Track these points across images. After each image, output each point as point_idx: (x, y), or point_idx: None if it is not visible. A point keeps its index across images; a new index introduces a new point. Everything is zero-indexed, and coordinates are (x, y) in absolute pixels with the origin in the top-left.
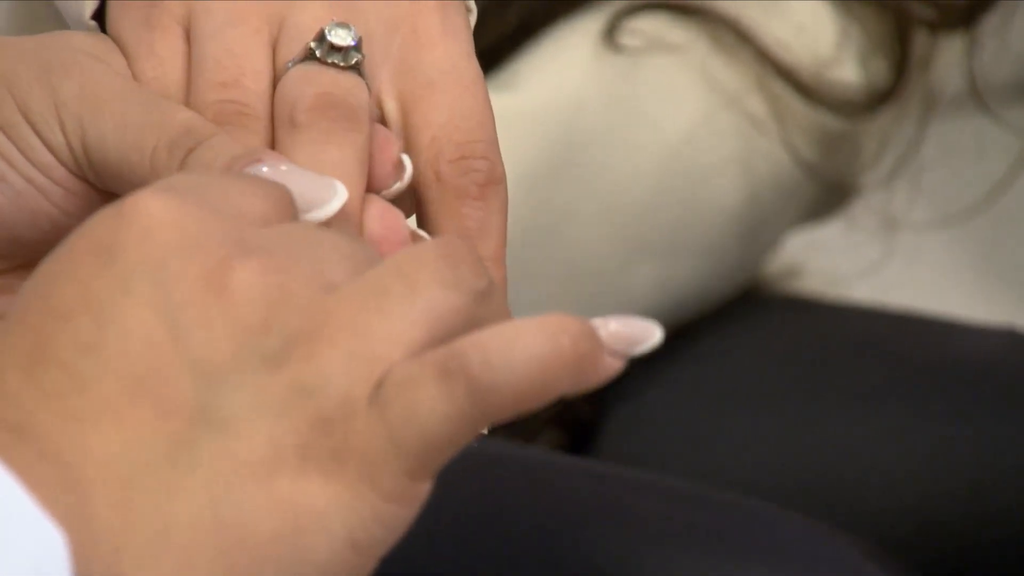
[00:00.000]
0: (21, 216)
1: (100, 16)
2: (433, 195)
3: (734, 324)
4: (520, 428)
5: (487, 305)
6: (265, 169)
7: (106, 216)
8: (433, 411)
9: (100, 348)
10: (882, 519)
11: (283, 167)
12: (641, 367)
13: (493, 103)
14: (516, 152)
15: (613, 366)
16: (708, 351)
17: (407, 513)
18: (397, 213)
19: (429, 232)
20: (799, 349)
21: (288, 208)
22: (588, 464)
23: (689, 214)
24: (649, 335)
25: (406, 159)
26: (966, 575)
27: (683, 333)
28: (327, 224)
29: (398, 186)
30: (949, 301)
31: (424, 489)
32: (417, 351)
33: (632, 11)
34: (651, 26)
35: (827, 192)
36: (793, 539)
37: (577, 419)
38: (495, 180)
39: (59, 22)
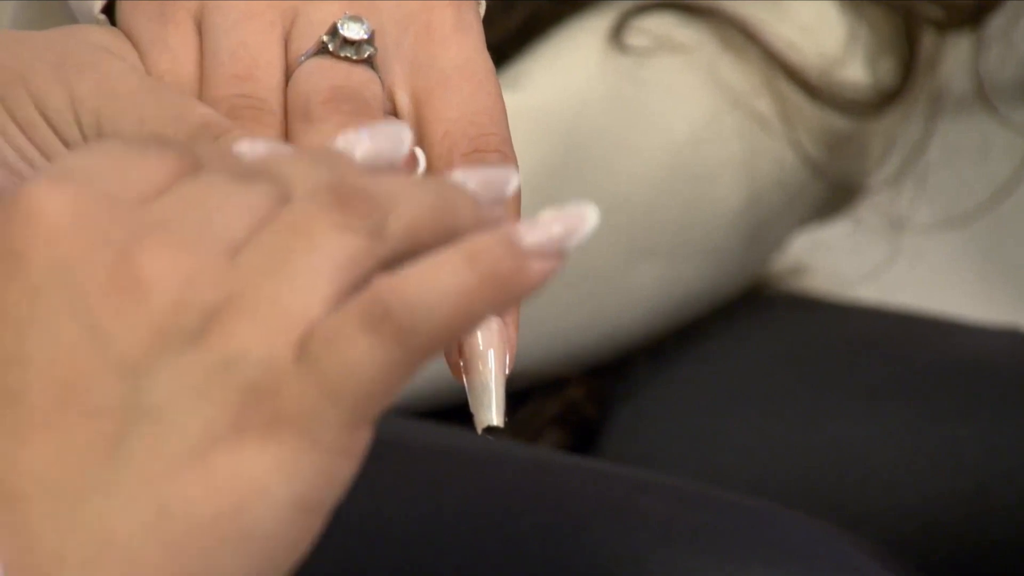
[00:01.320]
0: None
1: (109, 10)
2: None
3: (738, 323)
4: (524, 428)
5: (389, 236)
6: None
7: (4, 218)
8: (364, 361)
9: (22, 359)
10: (886, 518)
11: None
12: (645, 367)
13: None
14: (521, 151)
15: (544, 271)
16: (712, 351)
17: (350, 465)
18: None
19: None
20: (803, 349)
21: (186, 161)
22: (592, 464)
23: (694, 214)
24: (582, 220)
25: (420, 153)
26: (970, 575)
27: (687, 333)
28: None
29: None
30: (953, 301)
31: (365, 438)
32: (332, 302)
33: (639, 11)
34: (658, 26)
35: (833, 192)
36: (797, 539)
37: (581, 419)
38: None
39: (68, 17)
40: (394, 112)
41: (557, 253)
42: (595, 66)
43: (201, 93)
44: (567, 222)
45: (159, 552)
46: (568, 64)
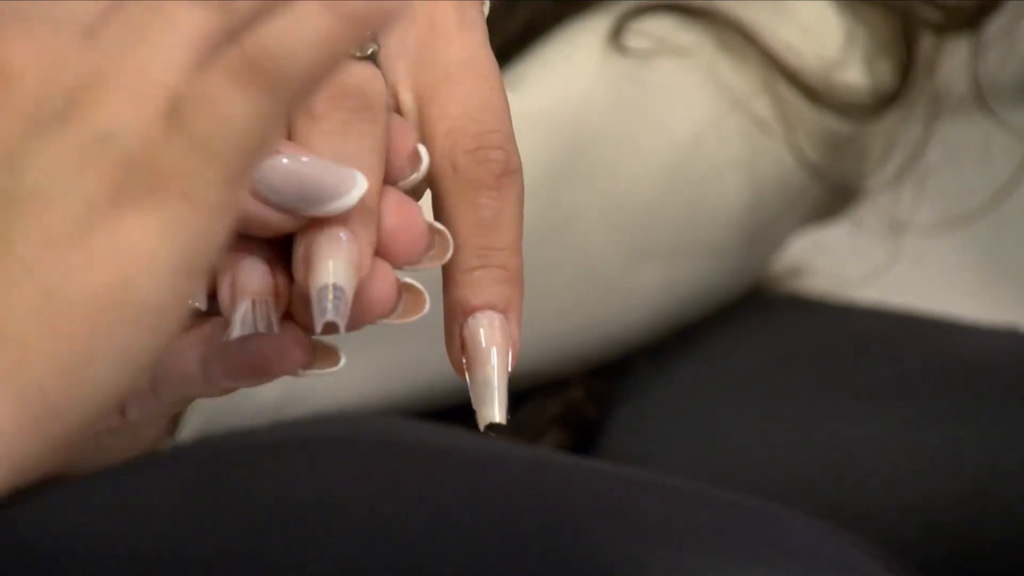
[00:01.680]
0: None
1: None
2: (449, 186)
3: (738, 324)
4: (524, 428)
5: (238, 8)
6: (285, 160)
7: None
8: (235, 114)
9: None
10: (886, 519)
11: (303, 158)
12: (645, 367)
13: None
14: (523, 153)
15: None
16: (712, 351)
17: (226, 223)
18: (414, 204)
19: (445, 223)
20: (803, 349)
21: None
22: (592, 464)
23: (695, 216)
24: None
25: (422, 149)
26: (969, 575)
27: (688, 333)
28: (345, 216)
29: (414, 177)
30: (954, 302)
31: (239, 195)
32: (193, 70)
33: (639, 12)
34: (658, 28)
35: (833, 194)
36: (797, 539)
37: (581, 419)
38: (511, 170)
39: None
40: (398, 109)
41: None
42: (595, 68)
43: None
44: None
45: (49, 335)
46: (569, 66)
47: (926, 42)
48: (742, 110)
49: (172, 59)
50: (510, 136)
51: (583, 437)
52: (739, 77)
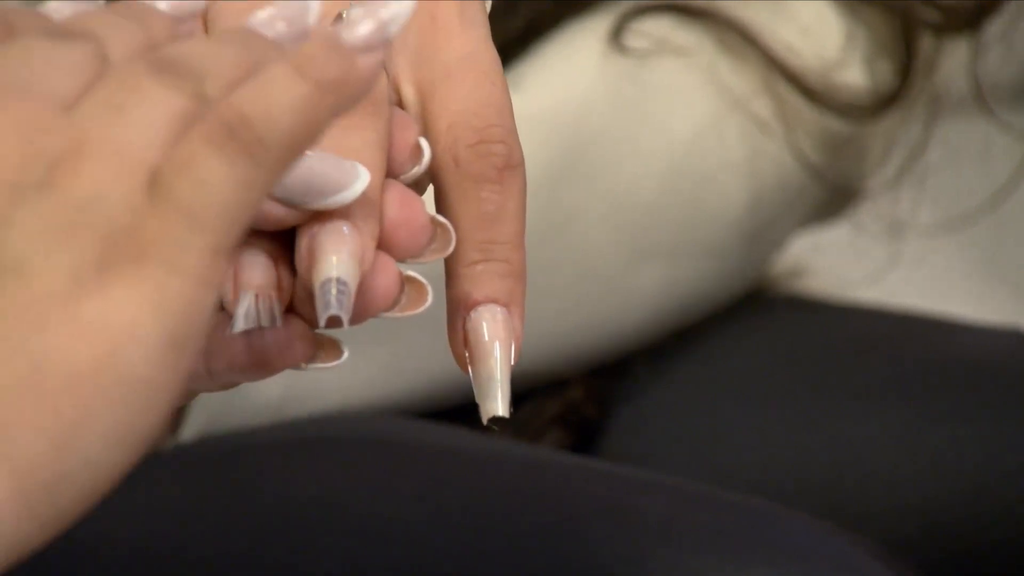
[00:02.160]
0: None
1: None
2: (451, 180)
3: (739, 324)
4: (525, 428)
5: (210, 98)
6: None
7: None
8: (217, 180)
9: None
10: (886, 519)
11: (307, 151)
12: (647, 367)
13: None
14: (524, 153)
15: (373, 63)
16: (713, 351)
17: (212, 294)
18: (416, 198)
19: (448, 217)
20: (804, 349)
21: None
22: (592, 464)
23: (695, 216)
24: (399, 9)
25: (424, 143)
26: (970, 575)
27: (688, 333)
28: (348, 209)
29: (416, 170)
30: (954, 303)
31: (224, 265)
32: (170, 146)
33: (638, 13)
34: (658, 28)
35: (833, 195)
36: (798, 539)
37: (582, 419)
38: (513, 164)
39: None
40: (400, 104)
41: (381, 42)
42: (595, 68)
43: None
44: (384, 15)
45: (35, 408)
46: (569, 66)
47: (926, 43)
48: (742, 110)
49: (150, 134)
50: (512, 131)
51: (583, 437)
52: (739, 77)
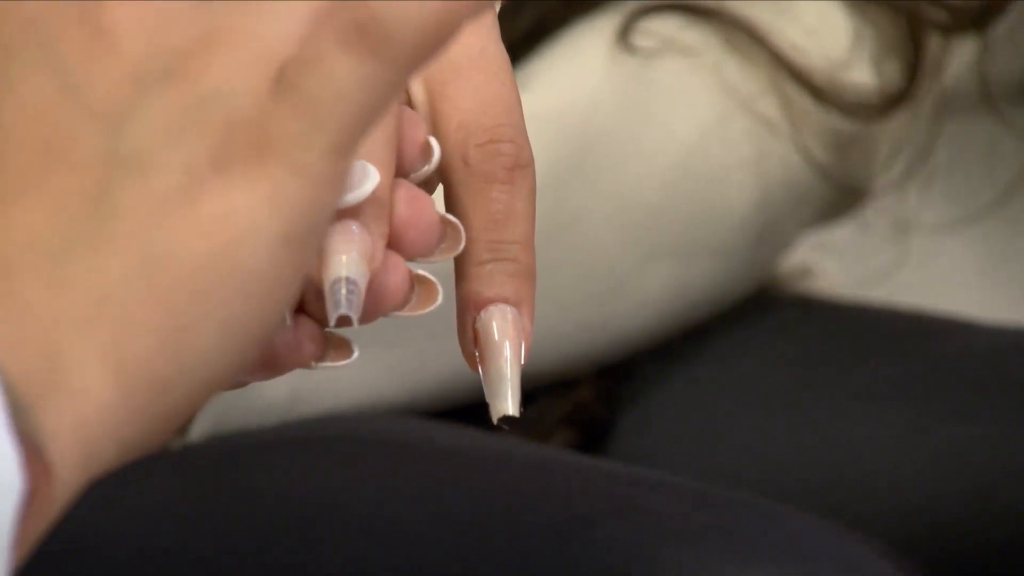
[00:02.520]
0: None
1: None
2: (461, 179)
3: (745, 324)
4: (533, 428)
5: None
6: None
7: None
8: (345, 80)
9: (1, 125)
10: (892, 518)
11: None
12: (653, 367)
13: None
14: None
15: None
16: (719, 351)
17: (333, 194)
18: (425, 196)
19: (457, 216)
20: (809, 348)
21: None
22: (600, 463)
23: (702, 215)
24: None
25: (434, 142)
26: (975, 575)
27: (695, 333)
28: (357, 208)
29: (426, 169)
30: (961, 302)
31: (347, 167)
32: (306, 38)
33: (645, 12)
34: (664, 28)
35: (840, 194)
36: (804, 538)
37: (590, 418)
38: (522, 164)
39: None
40: (408, 102)
41: None
42: (602, 68)
43: None
44: None
45: (152, 305)
46: (575, 66)
47: (933, 42)
48: (748, 110)
49: (287, 26)
50: (521, 130)
51: (592, 436)
52: (745, 77)
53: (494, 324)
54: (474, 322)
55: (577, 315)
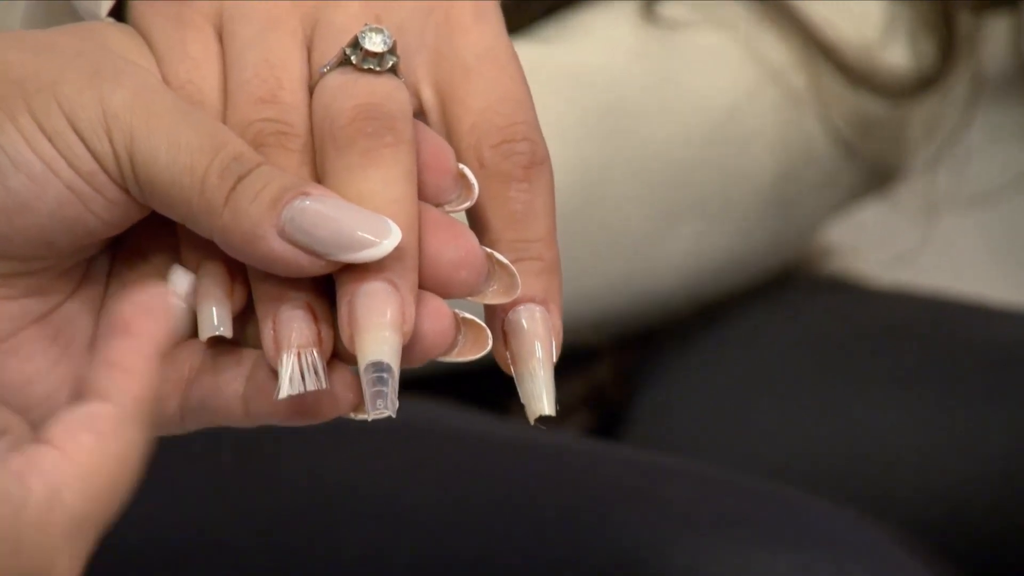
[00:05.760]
0: (60, 222)
1: (116, 13)
2: (478, 181)
3: (767, 307)
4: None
5: None
6: (314, 204)
7: None
8: None
9: None
10: (912, 504)
11: (329, 201)
12: (671, 351)
13: (535, 54)
14: (556, 109)
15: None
16: (737, 335)
17: None
18: (467, 232)
19: (476, 217)
20: (829, 333)
21: None
22: (616, 450)
23: (726, 180)
24: None
25: (468, 172)
26: (996, 560)
27: (714, 316)
28: (383, 263)
29: (467, 205)
30: (985, 285)
31: None
32: None
33: None
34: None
35: (870, 174)
36: (821, 524)
37: (606, 404)
38: (539, 161)
39: (75, 17)
40: (419, 107)
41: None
42: (631, 32)
43: (225, 115)
44: None
45: None
46: (610, 27)
47: (966, 21)
48: (778, 83)
49: None
50: (535, 125)
51: (608, 422)
52: (777, 50)
53: (524, 325)
54: (503, 323)
55: (600, 272)
